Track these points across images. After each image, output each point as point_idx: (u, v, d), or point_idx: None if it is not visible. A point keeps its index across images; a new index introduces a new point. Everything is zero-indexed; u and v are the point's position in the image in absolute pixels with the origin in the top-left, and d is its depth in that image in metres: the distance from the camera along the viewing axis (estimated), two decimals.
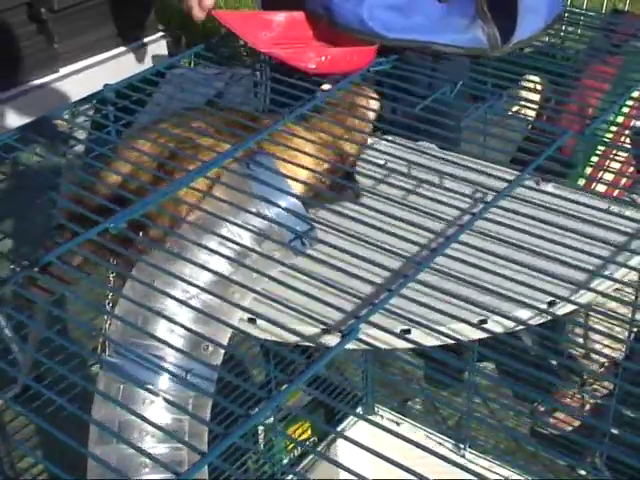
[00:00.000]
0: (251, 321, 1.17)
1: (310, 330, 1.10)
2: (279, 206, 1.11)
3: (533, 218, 1.10)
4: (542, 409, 2.27)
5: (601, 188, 2.23)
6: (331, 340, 1.07)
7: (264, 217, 1.12)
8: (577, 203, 1.14)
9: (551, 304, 1.14)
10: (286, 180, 1.14)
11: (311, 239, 1.13)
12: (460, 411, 2.15)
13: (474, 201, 1.19)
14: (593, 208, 1.16)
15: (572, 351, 2.15)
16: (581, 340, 2.03)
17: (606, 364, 2.11)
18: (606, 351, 1.92)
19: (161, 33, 1.76)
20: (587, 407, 2.24)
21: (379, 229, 1.10)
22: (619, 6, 3.80)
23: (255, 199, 1.12)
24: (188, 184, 1.06)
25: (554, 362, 2.25)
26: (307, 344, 1.12)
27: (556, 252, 1.07)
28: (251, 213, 1.12)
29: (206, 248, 1.12)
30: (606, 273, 1.15)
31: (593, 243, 1.09)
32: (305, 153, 1.19)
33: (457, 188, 1.18)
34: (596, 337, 1.96)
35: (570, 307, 1.17)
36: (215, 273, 1.12)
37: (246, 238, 1.15)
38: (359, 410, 2.06)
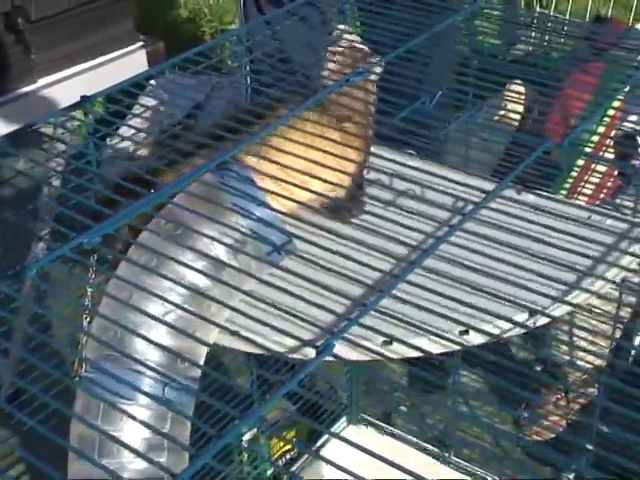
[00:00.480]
0: (233, 334, 1.17)
1: (290, 343, 1.10)
2: (254, 217, 1.11)
3: (512, 231, 1.09)
4: (526, 415, 2.27)
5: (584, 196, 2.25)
6: (311, 353, 1.07)
7: (239, 229, 1.11)
8: (557, 215, 1.14)
9: (532, 314, 1.14)
10: (260, 191, 1.13)
11: (288, 250, 1.12)
12: (445, 416, 2.15)
13: (453, 212, 1.18)
14: (573, 220, 1.16)
15: (556, 358, 2.15)
16: (565, 347, 2.04)
17: (589, 371, 2.11)
18: (589, 359, 1.92)
19: (141, 43, 1.74)
20: (573, 409, 2.25)
21: (357, 241, 1.09)
22: (602, 11, 3.81)
23: (229, 210, 1.11)
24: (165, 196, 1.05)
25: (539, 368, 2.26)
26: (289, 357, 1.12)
27: (537, 261, 1.07)
28: (225, 225, 1.12)
29: (181, 263, 1.11)
30: (585, 285, 1.16)
31: (574, 252, 1.09)
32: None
33: (437, 199, 1.17)
34: (581, 343, 1.97)
35: (549, 319, 1.17)
36: (191, 287, 1.11)
37: (221, 250, 1.14)
38: (344, 419, 2.06)
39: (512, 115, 2.11)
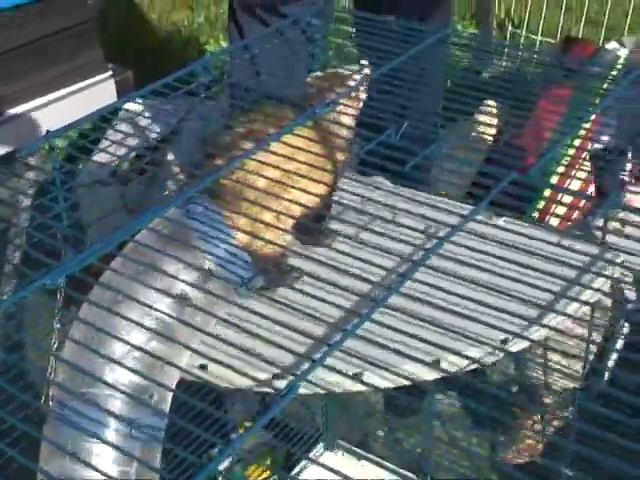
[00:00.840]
0: (202, 367, 1.16)
1: (261, 375, 1.08)
2: (220, 252, 1.10)
3: (485, 254, 1.09)
4: (502, 439, 2.26)
5: (560, 210, 2.26)
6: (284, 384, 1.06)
7: (204, 263, 1.10)
8: (528, 237, 1.14)
9: (504, 341, 1.14)
10: (227, 225, 1.12)
11: (254, 285, 1.12)
12: (422, 439, 2.14)
13: (426, 238, 1.18)
14: (544, 242, 1.16)
15: (531, 380, 2.14)
16: (539, 370, 2.03)
17: (564, 394, 2.11)
18: (564, 381, 1.92)
19: (110, 72, 1.73)
20: (550, 432, 2.24)
21: (332, 267, 1.08)
22: (574, 29, 3.84)
23: (195, 246, 1.11)
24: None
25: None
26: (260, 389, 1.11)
27: (508, 288, 1.06)
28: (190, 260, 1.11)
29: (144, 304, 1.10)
30: (558, 308, 1.16)
31: (544, 278, 1.09)
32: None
33: (409, 224, 1.17)
34: (555, 365, 1.96)
35: (523, 344, 1.16)
36: (156, 323, 1.10)
37: (186, 287, 1.14)
38: (320, 445, 2.04)
39: (487, 130, 2.12)
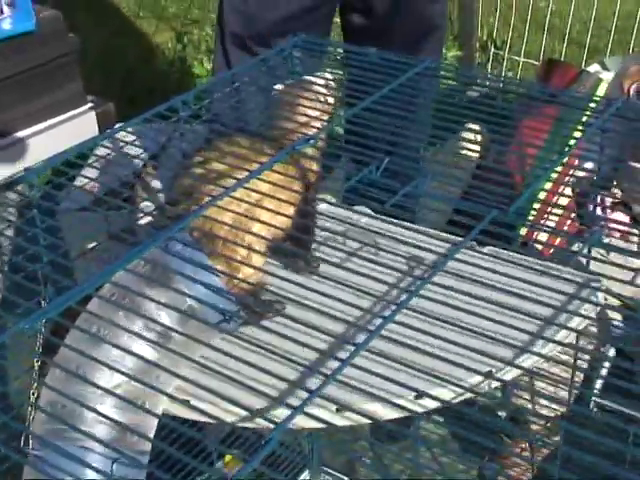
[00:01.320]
0: (185, 402, 1.15)
1: (243, 412, 1.08)
2: (202, 286, 1.10)
3: (468, 293, 1.09)
4: (490, 465, 2.25)
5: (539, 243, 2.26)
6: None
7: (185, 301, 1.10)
8: (510, 277, 1.13)
9: (487, 376, 1.14)
10: (207, 258, 1.12)
11: (236, 319, 1.12)
12: (407, 466, 2.13)
13: (410, 277, 1.18)
14: (529, 270, 1.16)
15: (518, 407, 2.14)
16: (526, 396, 2.03)
17: (551, 420, 2.11)
18: (546, 411, 1.92)
19: (90, 104, 1.72)
20: (538, 458, 2.24)
21: (312, 308, 1.08)
22: (557, 49, 3.86)
23: (176, 279, 1.10)
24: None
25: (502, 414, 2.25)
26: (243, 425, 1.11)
27: (484, 328, 1.06)
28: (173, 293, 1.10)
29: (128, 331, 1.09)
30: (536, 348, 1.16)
31: (522, 318, 1.08)
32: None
33: (390, 260, 1.16)
34: (542, 386, 1.96)
35: (515, 372, 1.16)
36: (138, 358, 1.09)
37: (167, 320, 1.13)
38: (306, 474, 2.03)
39: (470, 154, 2.13)
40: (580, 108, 1.37)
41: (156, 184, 1.49)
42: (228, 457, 2.01)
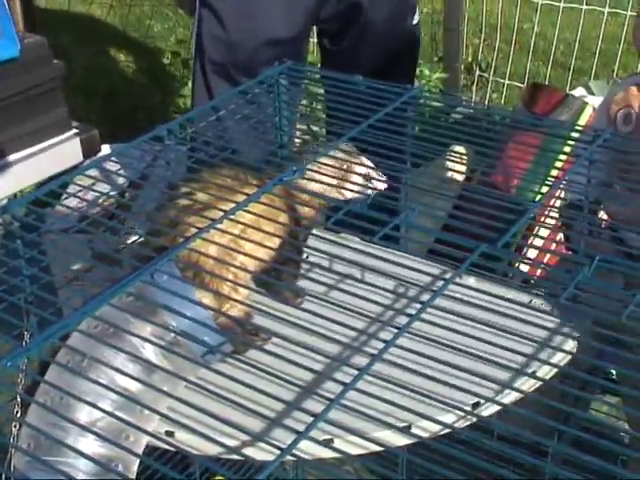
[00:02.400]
0: (169, 434, 1.14)
1: (230, 442, 1.06)
2: (187, 318, 1.09)
3: (457, 314, 1.08)
4: None
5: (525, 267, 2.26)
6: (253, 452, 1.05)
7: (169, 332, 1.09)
8: (500, 298, 1.13)
9: (475, 405, 1.13)
10: (193, 290, 1.11)
11: (223, 351, 1.11)
12: None
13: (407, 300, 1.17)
14: (516, 303, 1.15)
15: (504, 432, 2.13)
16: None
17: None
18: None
19: (75, 130, 1.71)
20: None
21: (307, 330, 1.07)
22: (542, 71, 3.88)
23: (161, 311, 1.09)
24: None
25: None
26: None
27: (480, 350, 1.05)
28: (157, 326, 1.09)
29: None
30: (530, 370, 1.15)
31: (516, 339, 1.08)
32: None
33: (382, 284, 1.15)
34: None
35: (495, 407, 1.15)
36: (122, 391, 1.08)
37: (152, 352, 1.13)
38: None
39: (455, 176, 2.12)
40: (567, 138, 1.37)
41: (139, 209, 1.48)
42: (219, 477, 1.98)
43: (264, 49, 2.09)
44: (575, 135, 1.35)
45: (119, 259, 1.17)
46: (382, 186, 1.30)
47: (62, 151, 1.66)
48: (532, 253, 2.27)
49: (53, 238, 1.67)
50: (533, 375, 1.15)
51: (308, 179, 1.24)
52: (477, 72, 3.87)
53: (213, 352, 1.10)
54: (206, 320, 1.11)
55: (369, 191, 1.30)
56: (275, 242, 1.24)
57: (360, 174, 1.32)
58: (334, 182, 1.29)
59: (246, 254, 1.19)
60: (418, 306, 1.05)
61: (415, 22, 2.33)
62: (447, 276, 1.14)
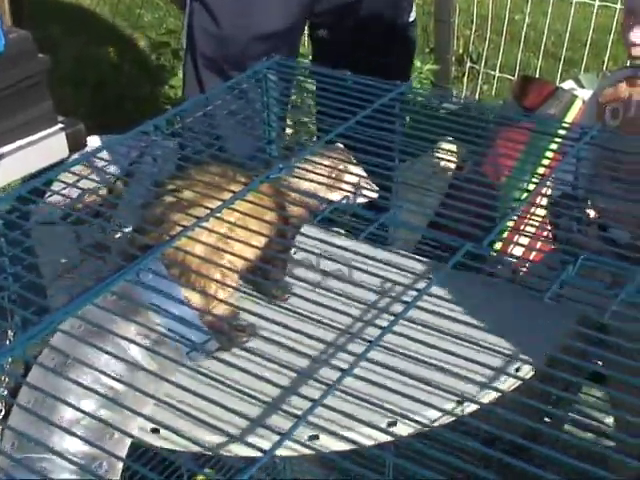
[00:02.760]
0: (154, 431, 1.14)
1: (215, 438, 1.07)
2: (172, 316, 1.08)
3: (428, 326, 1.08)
4: None
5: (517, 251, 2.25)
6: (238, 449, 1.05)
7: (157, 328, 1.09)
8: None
9: (460, 402, 1.13)
10: (178, 287, 1.11)
11: (208, 349, 1.10)
12: None
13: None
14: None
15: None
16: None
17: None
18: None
19: (60, 125, 1.69)
20: None
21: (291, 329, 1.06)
22: (532, 62, 3.87)
23: (145, 310, 1.09)
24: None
25: None
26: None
27: (463, 349, 1.05)
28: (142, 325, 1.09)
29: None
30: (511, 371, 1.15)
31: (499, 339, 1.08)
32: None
33: (368, 281, 1.15)
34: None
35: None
36: (107, 389, 1.08)
37: (137, 351, 1.12)
38: None
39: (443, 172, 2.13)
40: (555, 136, 1.37)
41: (125, 205, 1.47)
42: (200, 477, 1.98)
43: (257, 43, 2.07)
44: (562, 132, 1.35)
45: (106, 255, 1.17)
46: (374, 195, 1.29)
47: (48, 145, 1.64)
48: (518, 251, 2.26)
49: (39, 235, 1.66)
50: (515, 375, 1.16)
51: (298, 177, 1.24)
52: (468, 64, 3.86)
53: (198, 350, 1.10)
54: (192, 318, 1.11)
55: (360, 199, 1.29)
56: (261, 241, 1.24)
57: (351, 183, 1.32)
58: (324, 181, 1.29)
59: (233, 253, 1.18)
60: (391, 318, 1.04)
61: (411, 19, 2.32)
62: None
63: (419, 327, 1.06)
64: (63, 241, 1.70)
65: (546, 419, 1.37)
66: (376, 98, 1.35)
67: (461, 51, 3.98)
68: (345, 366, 0.99)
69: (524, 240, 2.00)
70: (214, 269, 1.20)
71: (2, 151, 1.57)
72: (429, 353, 1.04)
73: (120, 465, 1.13)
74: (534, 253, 2.15)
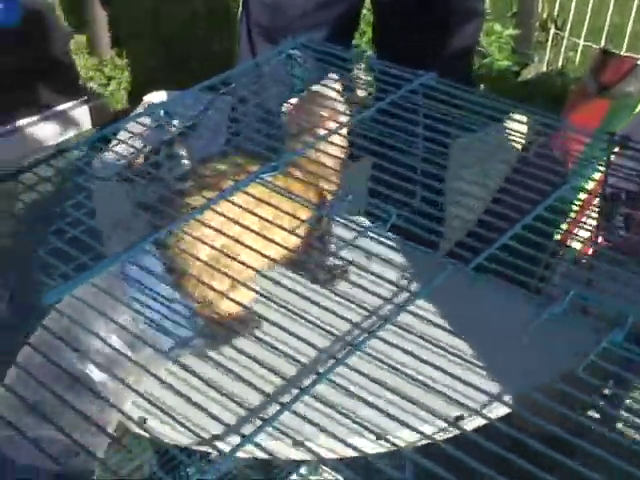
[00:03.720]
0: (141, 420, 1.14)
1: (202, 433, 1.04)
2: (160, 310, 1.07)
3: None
4: None
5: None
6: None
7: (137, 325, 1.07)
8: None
9: (458, 418, 1.08)
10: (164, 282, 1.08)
11: (194, 346, 1.09)
12: None
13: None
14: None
15: None
16: None
17: None
18: None
19: (84, 98, 1.68)
20: None
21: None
22: (616, 40, 3.67)
23: (129, 302, 1.07)
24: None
25: None
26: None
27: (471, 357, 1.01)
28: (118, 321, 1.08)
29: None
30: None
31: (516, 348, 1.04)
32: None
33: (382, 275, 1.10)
34: None
35: (479, 421, 1.10)
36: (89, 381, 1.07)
37: (119, 344, 1.12)
38: None
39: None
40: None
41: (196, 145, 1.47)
42: None
43: (310, 14, 2.04)
44: None
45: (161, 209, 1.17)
46: None
47: (70, 118, 1.64)
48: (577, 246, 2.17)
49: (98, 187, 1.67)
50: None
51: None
52: (552, 30, 3.70)
53: (182, 346, 1.08)
54: (178, 313, 1.09)
55: None
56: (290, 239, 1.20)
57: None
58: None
59: (250, 248, 1.13)
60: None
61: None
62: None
63: (411, 337, 1.01)
64: (116, 196, 1.70)
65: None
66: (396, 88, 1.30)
67: (545, 16, 3.81)
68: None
69: (584, 233, 1.92)
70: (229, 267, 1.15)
71: (25, 122, 1.58)
72: (418, 367, 0.99)
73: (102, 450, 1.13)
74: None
